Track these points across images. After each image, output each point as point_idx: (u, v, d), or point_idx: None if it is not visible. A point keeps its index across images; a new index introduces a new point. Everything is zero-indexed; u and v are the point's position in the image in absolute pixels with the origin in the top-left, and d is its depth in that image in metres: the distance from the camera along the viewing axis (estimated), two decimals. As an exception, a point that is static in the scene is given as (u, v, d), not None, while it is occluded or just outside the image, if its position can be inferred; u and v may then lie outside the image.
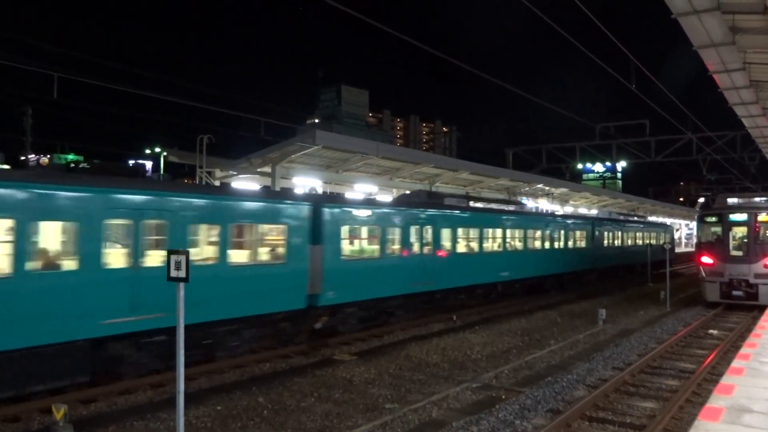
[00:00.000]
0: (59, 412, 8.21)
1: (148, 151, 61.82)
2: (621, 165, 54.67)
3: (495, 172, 32.04)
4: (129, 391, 11.16)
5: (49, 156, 35.91)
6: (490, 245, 22.67)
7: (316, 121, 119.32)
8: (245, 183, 22.83)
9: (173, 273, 6.80)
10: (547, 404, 10.50)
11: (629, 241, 39.13)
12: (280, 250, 13.81)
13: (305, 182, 23.80)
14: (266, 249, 13.72)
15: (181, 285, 6.89)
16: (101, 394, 10.83)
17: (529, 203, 36.52)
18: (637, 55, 17.49)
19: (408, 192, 24.42)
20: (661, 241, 41.54)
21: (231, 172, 23.35)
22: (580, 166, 49.11)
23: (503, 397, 10.93)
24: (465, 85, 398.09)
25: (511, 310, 22.61)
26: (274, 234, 13.86)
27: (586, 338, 17.04)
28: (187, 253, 6.75)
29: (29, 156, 38.08)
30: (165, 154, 34.89)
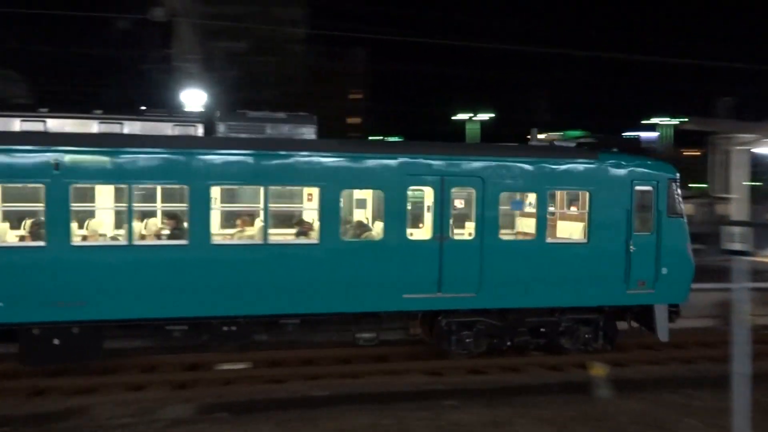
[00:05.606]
0: (601, 370, 8.77)
1: (643, 122, 60.53)
2: None
3: None
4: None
5: (561, 133, 38.68)
6: None
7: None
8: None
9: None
10: None
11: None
12: None
13: None
14: None
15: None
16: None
17: None
18: None
19: None
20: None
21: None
22: None
23: None
24: None
25: None
26: None
27: None
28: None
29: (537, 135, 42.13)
30: (677, 123, 33.47)
